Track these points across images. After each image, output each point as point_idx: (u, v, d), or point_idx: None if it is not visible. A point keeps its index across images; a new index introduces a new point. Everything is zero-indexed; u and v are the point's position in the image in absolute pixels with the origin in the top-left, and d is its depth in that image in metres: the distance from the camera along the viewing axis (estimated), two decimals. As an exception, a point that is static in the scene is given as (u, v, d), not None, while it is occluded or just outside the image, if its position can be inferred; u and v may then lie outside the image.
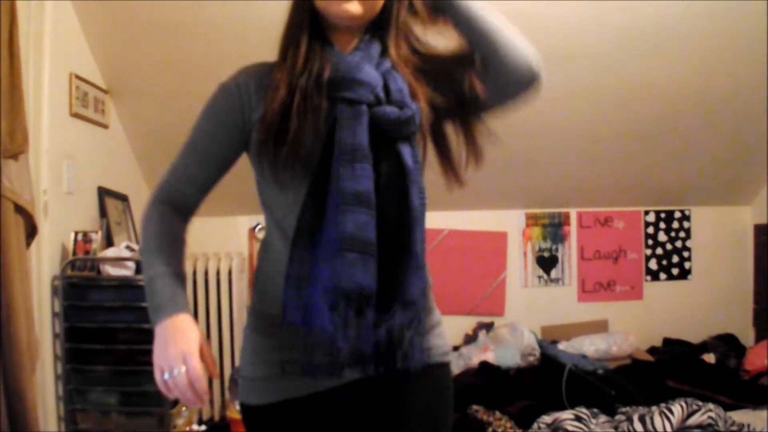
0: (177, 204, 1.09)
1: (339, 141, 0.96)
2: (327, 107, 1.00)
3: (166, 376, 0.91)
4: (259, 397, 1.07)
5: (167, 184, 1.10)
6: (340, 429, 1.05)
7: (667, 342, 3.49)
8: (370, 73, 1.01)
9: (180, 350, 0.91)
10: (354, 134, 0.96)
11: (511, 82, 1.05)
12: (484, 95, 1.06)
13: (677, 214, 3.67)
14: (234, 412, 2.66)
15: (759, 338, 3.49)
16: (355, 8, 1.00)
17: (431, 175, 1.08)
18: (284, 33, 1.07)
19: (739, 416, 2.41)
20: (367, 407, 1.05)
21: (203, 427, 2.74)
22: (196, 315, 3.10)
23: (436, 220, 3.15)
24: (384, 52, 1.06)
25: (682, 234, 3.67)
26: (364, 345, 0.95)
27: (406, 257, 0.98)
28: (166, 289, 0.98)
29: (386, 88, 1.01)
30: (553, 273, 3.58)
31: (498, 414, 2.50)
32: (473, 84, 1.06)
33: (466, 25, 1.04)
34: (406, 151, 1.00)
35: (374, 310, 0.95)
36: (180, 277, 1.02)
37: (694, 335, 3.47)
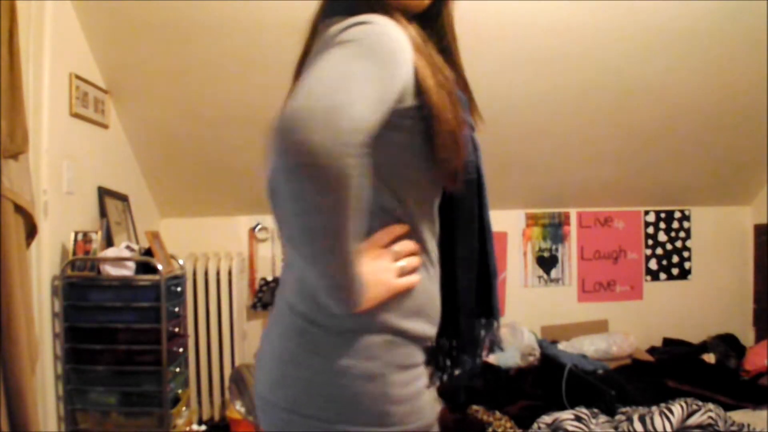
0: None
1: (480, 165, 0.98)
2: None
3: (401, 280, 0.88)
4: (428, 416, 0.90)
5: (369, 125, 0.72)
6: None
7: (667, 342, 3.49)
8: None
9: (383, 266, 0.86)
10: (480, 167, 0.99)
11: None
12: None
13: (677, 214, 3.68)
14: (234, 412, 2.66)
15: (759, 338, 3.49)
16: None
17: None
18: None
19: (739, 416, 2.41)
20: None
21: (203, 427, 2.74)
22: (196, 315, 3.10)
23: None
24: None
25: (682, 234, 3.67)
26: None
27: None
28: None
29: None
30: (553, 273, 3.58)
31: (498, 414, 2.50)
32: None
33: None
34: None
35: None
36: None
37: (694, 335, 3.47)
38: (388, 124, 0.79)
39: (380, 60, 0.76)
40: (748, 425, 2.32)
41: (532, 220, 3.58)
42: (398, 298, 0.87)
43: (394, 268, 0.87)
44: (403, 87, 0.80)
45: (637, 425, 2.27)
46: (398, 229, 0.88)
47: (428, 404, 0.90)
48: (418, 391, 0.88)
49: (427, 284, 0.92)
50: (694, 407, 2.29)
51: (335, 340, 0.85)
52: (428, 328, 0.92)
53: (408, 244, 0.89)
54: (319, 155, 0.65)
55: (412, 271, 0.89)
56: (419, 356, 0.90)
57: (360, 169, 0.69)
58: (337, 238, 0.72)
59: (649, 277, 3.65)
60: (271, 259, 3.36)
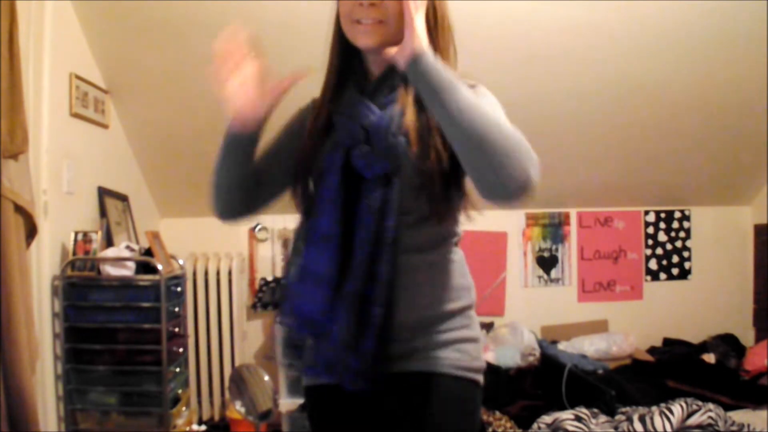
0: None
1: (322, 183, 1.09)
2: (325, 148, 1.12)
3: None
4: (305, 380, 1.21)
5: None
6: (351, 419, 1.13)
7: (667, 342, 3.49)
8: (359, 114, 1.07)
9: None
10: (327, 180, 1.07)
11: (498, 194, 0.96)
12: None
13: (677, 214, 3.67)
14: (234, 412, 2.66)
15: (759, 338, 3.49)
16: (366, 41, 1.06)
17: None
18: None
19: (739, 416, 2.41)
20: (367, 405, 1.10)
21: (203, 427, 2.74)
22: (196, 315, 3.10)
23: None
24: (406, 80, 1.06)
25: (682, 234, 3.67)
26: (328, 358, 1.07)
27: (371, 287, 1.04)
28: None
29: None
30: (553, 273, 3.58)
31: (498, 414, 2.50)
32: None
33: (443, 125, 0.97)
34: (375, 190, 1.05)
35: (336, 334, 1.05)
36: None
37: (694, 335, 3.46)
38: None
39: None
40: (748, 425, 2.32)
41: (532, 220, 3.58)
42: None
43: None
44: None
45: (637, 425, 2.27)
46: None
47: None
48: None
49: None
50: (694, 407, 2.29)
51: None
52: None
53: None
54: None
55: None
56: None
57: None
58: None
59: (649, 277, 3.65)
60: (271, 259, 3.36)
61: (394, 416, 1.08)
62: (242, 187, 1.18)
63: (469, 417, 1.13)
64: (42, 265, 2.23)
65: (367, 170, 1.06)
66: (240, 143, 1.12)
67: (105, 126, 2.72)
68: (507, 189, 0.92)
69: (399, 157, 1.04)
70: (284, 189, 1.20)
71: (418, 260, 1.09)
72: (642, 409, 2.41)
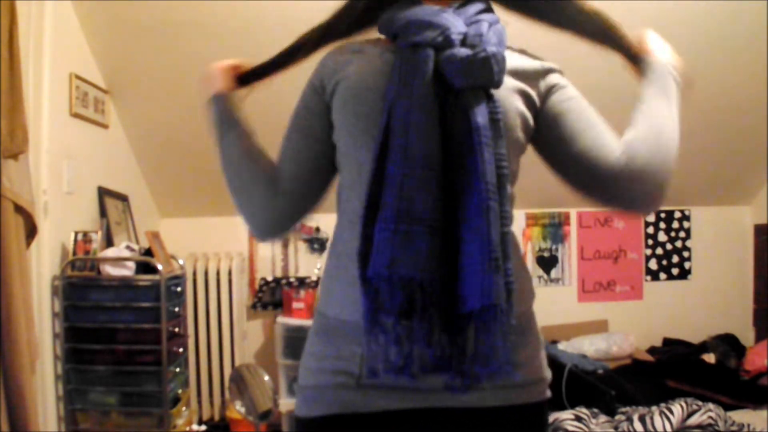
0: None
1: (397, 93, 0.79)
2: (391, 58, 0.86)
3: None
4: (310, 408, 0.87)
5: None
6: None
7: (667, 342, 3.49)
8: (447, 18, 0.84)
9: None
10: (412, 85, 0.79)
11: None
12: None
13: (677, 214, 3.68)
14: (234, 412, 2.66)
15: (759, 338, 3.49)
16: None
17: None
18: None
19: (739, 416, 2.41)
20: None
21: (203, 427, 2.74)
22: (196, 315, 3.10)
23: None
24: (489, 9, 0.93)
25: (682, 234, 3.67)
26: (429, 351, 0.77)
27: (475, 241, 0.75)
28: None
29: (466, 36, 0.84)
30: (553, 273, 3.58)
31: (498, 414, 2.49)
32: None
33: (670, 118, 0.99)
34: (478, 103, 0.81)
35: (437, 306, 0.75)
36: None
37: (694, 335, 3.47)
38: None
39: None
40: (748, 425, 2.32)
41: (532, 220, 3.58)
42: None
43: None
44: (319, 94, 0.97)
45: (637, 425, 2.27)
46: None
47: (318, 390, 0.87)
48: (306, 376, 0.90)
49: (330, 261, 0.92)
50: (694, 407, 2.29)
51: None
52: (329, 307, 0.89)
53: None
54: None
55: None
56: (326, 333, 0.88)
57: None
58: None
59: (649, 277, 3.65)
60: (271, 259, 3.36)
61: None
62: (264, 179, 0.94)
63: None
64: (42, 265, 2.22)
65: (463, 77, 0.81)
66: (228, 116, 1.06)
67: (105, 126, 2.72)
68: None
69: (500, 70, 0.84)
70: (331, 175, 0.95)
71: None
72: (642, 409, 2.40)
